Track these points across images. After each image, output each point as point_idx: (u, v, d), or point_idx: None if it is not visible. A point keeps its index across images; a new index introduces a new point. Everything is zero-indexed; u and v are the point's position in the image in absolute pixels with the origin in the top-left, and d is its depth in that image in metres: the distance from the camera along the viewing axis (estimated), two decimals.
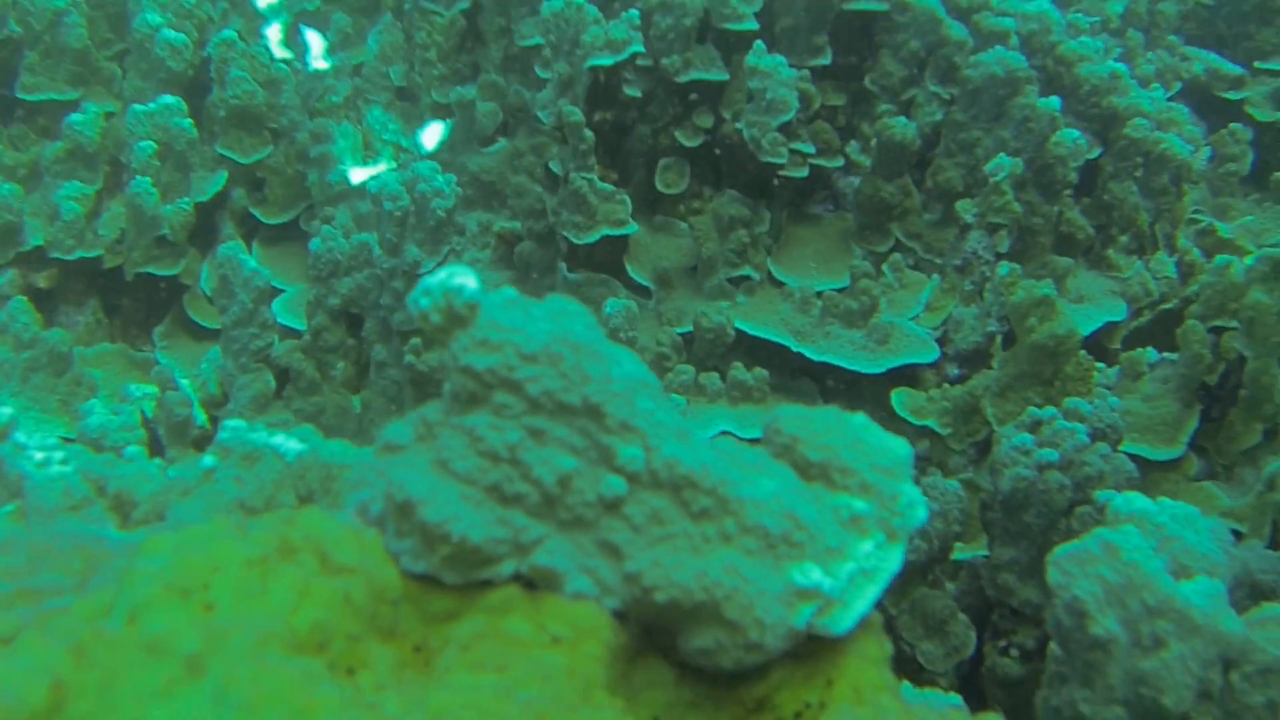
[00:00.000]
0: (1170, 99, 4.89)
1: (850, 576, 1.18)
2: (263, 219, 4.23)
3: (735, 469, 1.15)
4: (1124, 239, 4.15)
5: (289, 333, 3.86)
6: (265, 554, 1.01)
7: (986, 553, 2.88)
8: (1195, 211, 4.58)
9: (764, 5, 3.98)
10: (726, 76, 3.92)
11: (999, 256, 3.86)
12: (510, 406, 1.08)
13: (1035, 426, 2.82)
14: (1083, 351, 3.40)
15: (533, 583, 1.12)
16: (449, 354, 1.08)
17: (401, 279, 3.60)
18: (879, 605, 1.28)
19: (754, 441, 1.27)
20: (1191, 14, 5.56)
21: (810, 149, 3.94)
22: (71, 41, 4.24)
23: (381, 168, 4.21)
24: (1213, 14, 5.54)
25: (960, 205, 3.93)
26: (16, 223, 4.03)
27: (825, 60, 4.08)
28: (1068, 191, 3.97)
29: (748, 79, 3.84)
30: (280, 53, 4.40)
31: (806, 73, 4.01)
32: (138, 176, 3.94)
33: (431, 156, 4.08)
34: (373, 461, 1.14)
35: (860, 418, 1.28)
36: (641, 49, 3.77)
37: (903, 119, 3.94)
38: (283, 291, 4.00)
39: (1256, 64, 5.27)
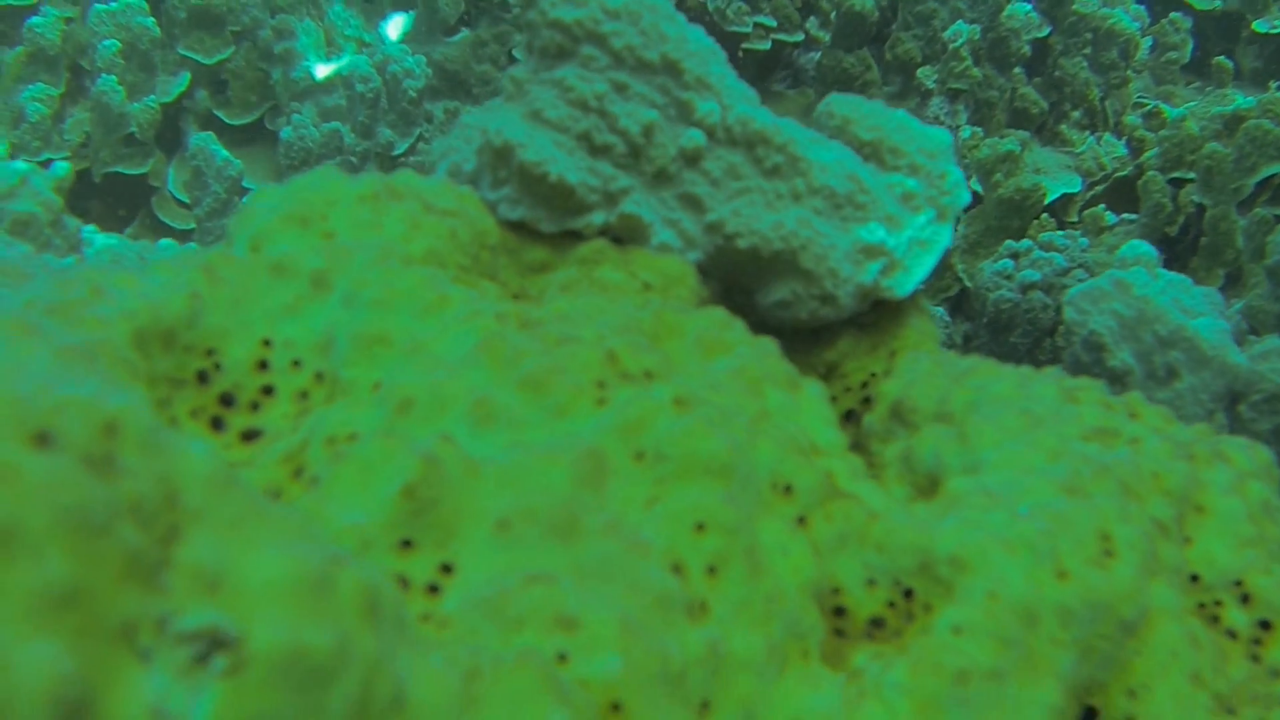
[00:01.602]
0: None
1: (909, 242, 1.24)
2: (227, 120, 4.22)
3: (801, 135, 1.20)
4: (1076, 114, 4.24)
5: None
6: (376, 192, 1.05)
7: None
8: (1140, 98, 4.68)
9: None
10: None
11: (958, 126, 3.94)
12: (596, 59, 1.12)
13: (1014, 258, 2.89)
14: (1045, 214, 3.48)
15: (619, 239, 1.17)
16: (536, 11, 1.13)
17: (374, 162, 3.62)
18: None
19: None
20: None
21: (772, 23, 3.99)
22: None
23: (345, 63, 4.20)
24: None
25: (921, 72, 4.00)
26: None
27: None
28: (1018, 69, 4.05)
29: None
30: None
31: None
32: (103, 75, 3.92)
33: None
34: (459, 130, 1.18)
35: (901, 112, 1.35)
36: None
37: None
38: (251, 191, 4.00)
39: None
